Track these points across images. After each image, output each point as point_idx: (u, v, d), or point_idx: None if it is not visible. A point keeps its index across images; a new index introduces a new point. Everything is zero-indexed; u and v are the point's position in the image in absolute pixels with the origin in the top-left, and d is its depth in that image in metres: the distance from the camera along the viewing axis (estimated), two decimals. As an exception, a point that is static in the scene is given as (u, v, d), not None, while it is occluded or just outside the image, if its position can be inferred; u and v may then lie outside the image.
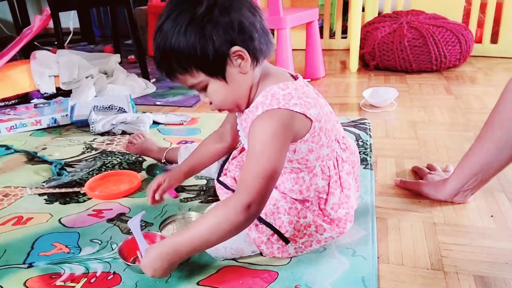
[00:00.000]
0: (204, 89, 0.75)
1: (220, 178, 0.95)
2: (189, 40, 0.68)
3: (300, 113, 0.74)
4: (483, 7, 2.41)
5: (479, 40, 2.46)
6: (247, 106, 0.79)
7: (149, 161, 1.29)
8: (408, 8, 2.55)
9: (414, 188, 1.07)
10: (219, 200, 0.96)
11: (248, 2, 0.72)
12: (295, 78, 0.82)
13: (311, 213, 0.83)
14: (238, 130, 0.88)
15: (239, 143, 0.98)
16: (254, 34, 0.72)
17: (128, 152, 1.33)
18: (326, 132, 0.80)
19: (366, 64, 2.34)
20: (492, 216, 0.96)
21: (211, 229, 0.70)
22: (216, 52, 0.69)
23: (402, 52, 2.16)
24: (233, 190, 0.90)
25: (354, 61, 2.29)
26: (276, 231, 0.81)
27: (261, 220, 0.81)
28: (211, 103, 0.78)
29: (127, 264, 0.82)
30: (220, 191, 0.94)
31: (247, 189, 0.70)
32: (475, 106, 1.69)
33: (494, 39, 2.43)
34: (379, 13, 2.63)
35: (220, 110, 0.80)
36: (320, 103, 0.81)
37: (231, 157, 0.99)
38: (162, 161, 1.23)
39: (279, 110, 0.72)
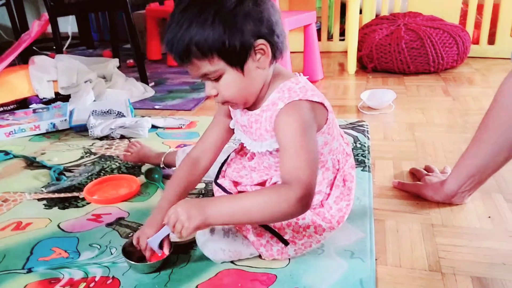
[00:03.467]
0: (216, 79, 0.74)
1: (218, 181, 0.95)
2: (216, 29, 0.68)
3: (318, 102, 0.76)
4: (480, 9, 2.42)
5: (476, 41, 2.46)
6: (253, 105, 0.80)
7: (147, 165, 1.29)
8: (405, 10, 2.56)
9: (412, 189, 1.07)
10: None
11: (270, 1, 0.75)
12: None
13: (311, 210, 0.83)
14: (235, 132, 0.89)
15: (238, 144, 0.98)
16: (277, 31, 0.74)
17: (127, 161, 1.33)
18: (335, 125, 0.83)
19: (364, 66, 2.34)
20: (489, 217, 0.97)
21: (258, 208, 0.69)
22: (243, 43, 0.70)
23: (400, 54, 2.17)
24: (230, 193, 0.90)
25: (352, 63, 2.29)
26: (275, 233, 0.81)
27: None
28: (216, 95, 0.77)
29: (129, 263, 0.82)
30: (218, 193, 0.93)
31: (299, 181, 0.69)
32: (473, 107, 1.69)
33: (491, 40, 2.43)
34: (376, 15, 2.64)
35: (224, 103, 0.78)
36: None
37: (229, 159, 0.99)
38: (161, 166, 1.24)
39: (300, 101, 0.75)
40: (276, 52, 0.75)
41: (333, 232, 0.86)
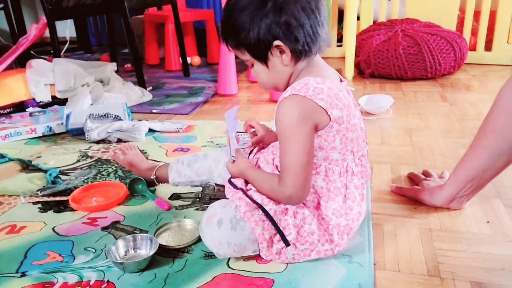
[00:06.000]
0: (253, 65, 0.85)
1: (232, 180, 0.93)
2: (242, 22, 0.78)
3: (322, 108, 0.77)
4: (477, 15, 2.44)
5: (473, 48, 2.48)
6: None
7: (132, 176, 1.19)
8: (403, 16, 2.57)
9: (410, 194, 1.07)
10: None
11: (299, 5, 0.76)
12: (341, 81, 0.86)
13: (317, 220, 0.82)
14: None
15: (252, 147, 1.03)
16: (300, 35, 0.77)
17: (114, 161, 1.26)
18: (343, 139, 0.81)
19: (362, 72, 2.35)
20: (488, 222, 0.96)
21: (262, 190, 0.85)
22: (258, 41, 0.78)
23: (397, 59, 2.17)
24: (241, 189, 0.88)
25: (349, 69, 2.30)
26: (279, 231, 0.81)
27: (269, 216, 0.80)
28: None
29: (116, 262, 0.82)
30: (228, 190, 0.91)
31: (288, 180, 0.79)
32: (470, 112, 1.70)
33: (488, 46, 2.45)
34: (374, 22, 2.65)
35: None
36: (353, 113, 0.83)
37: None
38: (151, 177, 1.16)
39: (304, 98, 0.76)
40: (297, 53, 0.79)
41: (335, 252, 0.84)
